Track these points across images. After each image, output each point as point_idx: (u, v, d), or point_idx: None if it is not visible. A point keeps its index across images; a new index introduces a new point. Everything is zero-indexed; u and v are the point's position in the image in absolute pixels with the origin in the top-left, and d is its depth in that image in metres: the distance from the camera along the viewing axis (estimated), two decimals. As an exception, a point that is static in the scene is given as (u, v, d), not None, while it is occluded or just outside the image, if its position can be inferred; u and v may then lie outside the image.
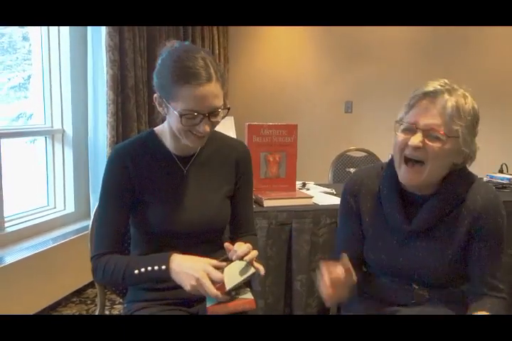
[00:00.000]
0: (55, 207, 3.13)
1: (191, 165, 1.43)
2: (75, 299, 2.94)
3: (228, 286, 1.24)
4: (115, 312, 2.71)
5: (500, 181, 2.51)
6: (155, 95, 1.31)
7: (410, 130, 1.25)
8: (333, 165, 3.23)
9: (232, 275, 1.26)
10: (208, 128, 1.27)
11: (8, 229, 2.66)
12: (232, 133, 3.07)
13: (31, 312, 2.58)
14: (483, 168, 2.81)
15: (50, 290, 2.71)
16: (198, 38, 4.12)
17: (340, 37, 4.61)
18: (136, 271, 1.29)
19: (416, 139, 1.22)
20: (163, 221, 1.37)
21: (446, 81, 1.27)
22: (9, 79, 3.03)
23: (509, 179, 2.49)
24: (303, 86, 4.69)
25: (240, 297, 1.29)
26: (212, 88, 1.24)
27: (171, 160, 1.41)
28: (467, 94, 1.26)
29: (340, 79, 4.60)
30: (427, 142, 1.23)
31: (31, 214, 2.93)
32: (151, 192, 1.38)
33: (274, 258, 1.86)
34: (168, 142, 1.40)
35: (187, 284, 1.22)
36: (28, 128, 3.00)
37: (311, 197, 2.07)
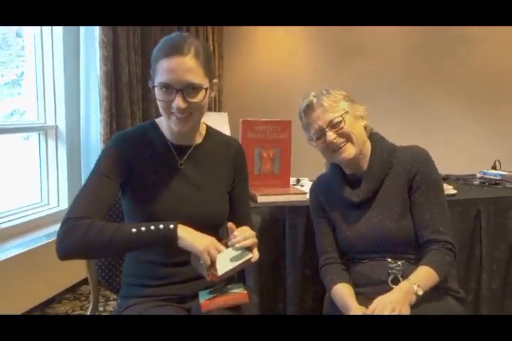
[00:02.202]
0: (48, 204, 3.12)
1: (188, 158, 1.42)
2: (68, 296, 2.93)
3: (220, 272, 1.21)
4: (109, 309, 2.71)
5: (493, 177, 2.52)
6: (150, 82, 1.33)
7: (322, 134, 1.51)
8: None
9: (225, 261, 1.23)
10: (182, 105, 1.26)
11: (2, 226, 2.65)
12: (226, 129, 3.06)
13: (25, 309, 2.57)
14: (477, 164, 2.82)
15: (44, 287, 2.70)
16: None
17: (335, 35, 4.60)
18: (134, 230, 1.22)
19: (331, 137, 1.50)
20: (159, 213, 1.34)
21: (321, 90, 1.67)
22: (2, 76, 3.01)
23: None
24: (297, 83, 4.68)
25: (233, 291, 1.30)
26: (186, 61, 1.25)
27: (167, 151, 1.41)
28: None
29: (334, 77, 4.59)
30: (339, 130, 1.50)
31: (25, 211, 2.92)
32: (145, 181, 1.37)
33: (267, 254, 1.85)
34: (165, 130, 1.41)
35: (201, 243, 1.22)
36: (22, 124, 2.99)
37: (305, 193, 2.07)
